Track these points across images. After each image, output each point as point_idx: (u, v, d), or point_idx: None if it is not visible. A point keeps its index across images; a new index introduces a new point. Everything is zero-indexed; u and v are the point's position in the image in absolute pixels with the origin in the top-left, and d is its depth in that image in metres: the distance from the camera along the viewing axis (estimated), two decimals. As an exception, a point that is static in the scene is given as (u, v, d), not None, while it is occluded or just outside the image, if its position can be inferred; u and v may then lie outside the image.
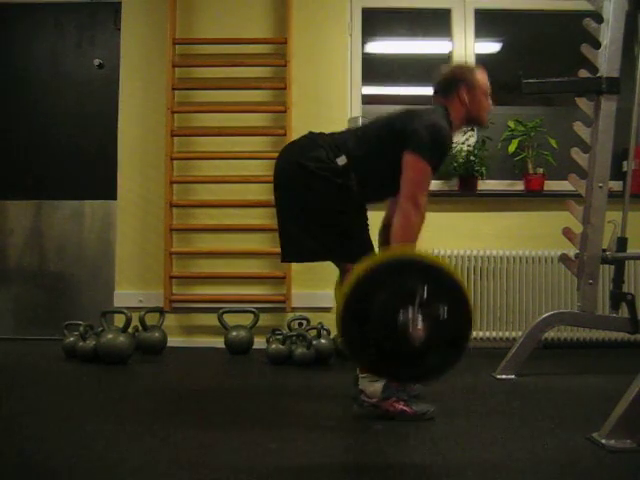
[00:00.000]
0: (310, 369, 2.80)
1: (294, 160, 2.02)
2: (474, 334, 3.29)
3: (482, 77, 2.17)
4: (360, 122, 3.29)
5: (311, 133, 2.11)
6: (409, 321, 1.49)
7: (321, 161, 1.97)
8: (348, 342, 1.57)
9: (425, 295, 1.50)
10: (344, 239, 2.00)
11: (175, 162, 3.45)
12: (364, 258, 1.85)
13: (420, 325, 1.49)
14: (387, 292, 1.53)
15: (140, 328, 3.07)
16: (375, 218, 2.19)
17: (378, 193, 2.12)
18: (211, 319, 3.27)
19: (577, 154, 2.70)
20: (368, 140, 2.05)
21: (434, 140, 1.95)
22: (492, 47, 3.81)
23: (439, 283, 1.53)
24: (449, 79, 2.16)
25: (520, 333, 2.93)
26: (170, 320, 3.34)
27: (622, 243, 2.67)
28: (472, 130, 3.33)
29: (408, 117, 2.04)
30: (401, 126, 2.00)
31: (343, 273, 2.08)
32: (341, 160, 1.98)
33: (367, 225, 2.10)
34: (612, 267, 2.73)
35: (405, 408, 1.91)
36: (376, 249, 2.08)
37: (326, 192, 1.97)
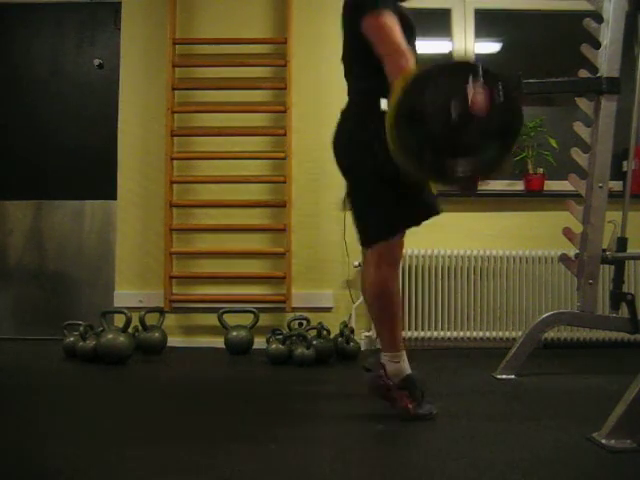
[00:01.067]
0: (310, 369, 2.80)
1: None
2: (474, 334, 3.29)
3: None
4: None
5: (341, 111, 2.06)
6: (470, 93, 1.52)
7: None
8: (404, 145, 1.57)
9: (481, 73, 1.53)
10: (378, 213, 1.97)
11: (175, 162, 3.45)
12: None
13: (480, 94, 1.52)
14: (442, 84, 1.56)
15: (140, 328, 3.07)
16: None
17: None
18: (211, 319, 3.28)
19: (577, 154, 2.70)
20: (352, 58, 2.02)
21: None
22: (492, 47, 3.81)
23: (491, 74, 1.56)
24: None
25: (520, 333, 2.93)
26: (170, 320, 3.34)
27: (622, 243, 2.67)
28: None
29: (345, 3, 1.98)
30: (348, 12, 1.95)
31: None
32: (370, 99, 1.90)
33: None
34: (612, 267, 2.73)
35: (410, 407, 1.91)
36: None
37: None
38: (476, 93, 1.54)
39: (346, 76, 2.10)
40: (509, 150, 1.62)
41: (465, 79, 1.55)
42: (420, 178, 1.70)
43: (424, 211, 1.96)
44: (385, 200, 1.92)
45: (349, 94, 2.08)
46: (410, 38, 1.91)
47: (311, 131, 3.38)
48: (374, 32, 1.85)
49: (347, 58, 2.07)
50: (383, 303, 1.95)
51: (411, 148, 1.58)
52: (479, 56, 3.57)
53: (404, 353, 1.96)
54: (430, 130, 1.56)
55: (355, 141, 1.96)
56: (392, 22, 1.83)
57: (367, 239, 2.00)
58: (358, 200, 2.02)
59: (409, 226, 1.99)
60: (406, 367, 1.95)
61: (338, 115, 2.06)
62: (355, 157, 1.96)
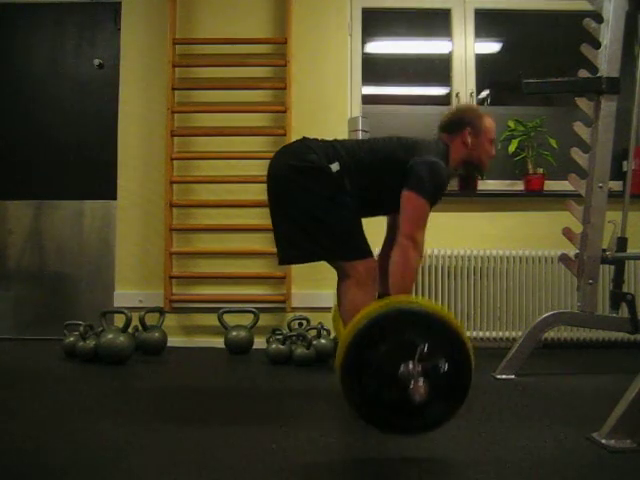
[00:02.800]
0: (310, 369, 2.80)
1: (288, 163, 2.05)
2: (474, 334, 3.29)
3: (489, 124, 2.20)
4: (360, 122, 3.29)
5: (305, 138, 2.13)
6: (410, 377, 1.48)
7: (314, 163, 2.01)
8: (347, 393, 1.55)
9: (426, 349, 1.50)
10: (342, 237, 2.01)
11: (175, 162, 3.45)
12: (361, 257, 1.85)
13: (421, 383, 1.48)
14: (387, 344, 1.52)
15: (140, 328, 3.07)
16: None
17: (367, 210, 2.14)
18: (211, 319, 3.27)
19: (577, 154, 2.70)
20: (363, 160, 2.07)
21: (433, 179, 1.99)
22: (492, 47, 3.81)
23: (440, 335, 1.53)
24: (456, 119, 2.20)
25: (520, 333, 2.94)
26: (170, 320, 3.34)
27: (622, 243, 2.67)
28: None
29: (409, 149, 2.06)
30: (402, 157, 2.04)
31: (341, 275, 2.09)
32: (335, 167, 2.01)
33: (361, 225, 2.11)
34: (612, 267, 2.73)
35: None
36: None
37: (322, 190, 2.00)
38: (416, 380, 1.48)
39: (347, 147, 2.12)
40: (459, 405, 1.56)
41: (414, 343, 1.50)
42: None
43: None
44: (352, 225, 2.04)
45: (336, 151, 2.08)
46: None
47: (311, 131, 3.36)
48: (412, 210, 1.98)
49: (369, 158, 2.09)
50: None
51: (351, 397, 1.56)
52: (479, 56, 3.56)
53: None
54: (373, 385, 1.53)
55: (318, 177, 2.01)
56: (427, 216, 1.99)
57: (342, 255, 2.04)
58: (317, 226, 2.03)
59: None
60: None
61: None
62: (312, 185, 2.01)
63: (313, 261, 2.17)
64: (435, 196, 2.02)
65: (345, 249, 2.02)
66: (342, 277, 2.07)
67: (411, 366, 1.49)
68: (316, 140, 2.13)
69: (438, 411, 1.54)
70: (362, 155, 2.08)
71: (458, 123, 2.18)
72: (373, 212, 2.20)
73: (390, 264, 1.98)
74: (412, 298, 1.88)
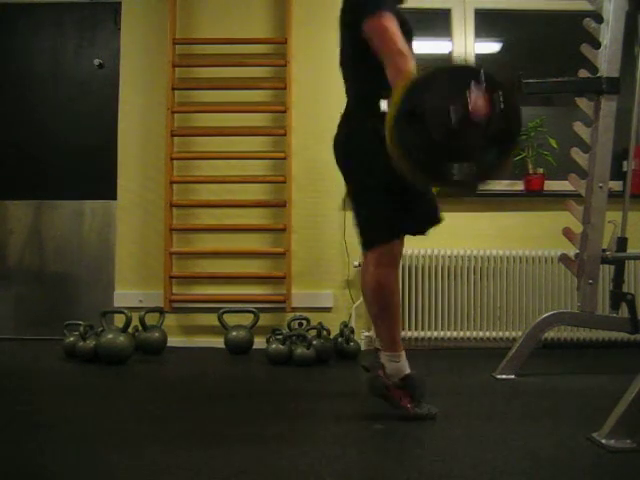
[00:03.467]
0: (310, 369, 2.80)
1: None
2: (474, 334, 3.29)
3: None
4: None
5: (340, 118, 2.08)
6: (470, 98, 1.52)
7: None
8: (403, 145, 1.57)
9: (483, 79, 1.54)
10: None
11: (175, 162, 3.45)
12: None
13: (481, 99, 1.52)
14: (444, 87, 1.57)
15: (140, 328, 3.07)
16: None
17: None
18: (211, 319, 3.27)
19: (577, 154, 2.70)
20: (351, 61, 2.03)
21: None
22: (492, 47, 3.81)
23: (492, 80, 1.57)
24: None
25: (520, 333, 2.93)
26: (170, 320, 3.34)
27: (622, 243, 2.67)
28: None
29: (344, 5, 1.99)
30: (348, 15, 1.96)
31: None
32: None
33: None
34: (612, 267, 2.73)
35: (408, 406, 1.92)
36: None
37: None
38: (477, 98, 1.54)
39: (345, 79, 2.10)
40: (508, 156, 1.62)
41: (466, 83, 1.56)
42: (418, 180, 1.69)
43: (423, 218, 1.99)
44: (385, 203, 1.92)
45: (348, 96, 2.08)
46: (408, 41, 1.91)
47: (311, 131, 3.38)
48: (376, 34, 1.85)
49: (346, 61, 2.07)
50: (382, 303, 1.96)
51: (410, 149, 1.58)
52: (479, 56, 3.56)
53: (403, 353, 1.96)
54: (429, 132, 1.56)
55: (355, 143, 1.96)
56: (393, 24, 1.83)
57: (367, 241, 2.00)
58: (359, 202, 2.01)
59: (408, 232, 2.00)
60: (405, 366, 1.95)
61: (338, 116, 2.06)
62: (356, 159, 1.97)
63: None
64: (382, 1, 1.86)
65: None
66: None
67: (472, 88, 1.53)
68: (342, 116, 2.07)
69: (489, 158, 1.58)
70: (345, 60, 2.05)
71: None
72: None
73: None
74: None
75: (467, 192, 1.91)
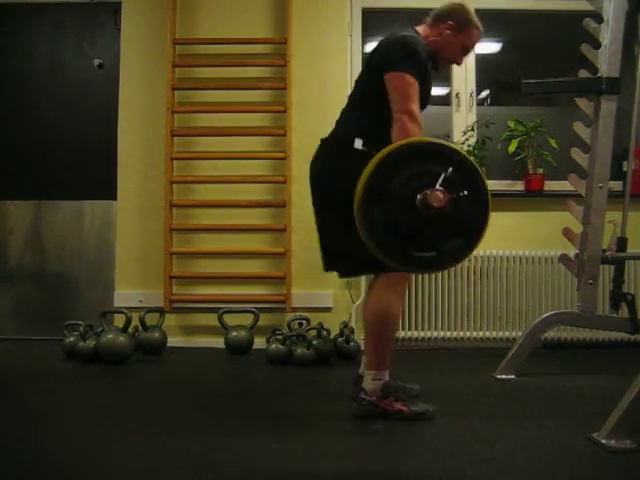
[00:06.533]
0: (310, 369, 2.80)
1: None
2: (474, 334, 3.29)
3: (474, 33, 2.14)
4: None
5: (321, 140, 2.10)
6: (431, 188, 1.53)
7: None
8: (367, 222, 1.57)
9: (448, 173, 1.55)
10: None
11: (175, 162, 3.44)
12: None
13: (441, 190, 1.52)
14: (409, 171, 1.57)
15: (140, 328, 3.07)
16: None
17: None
18: (211, 319, 3.27)
19: (577, 154, 2.70)
20: (359, 98, 2.06)
21: (402, 51, 1.93)
22: (492, 47, 3.81)
23: (460, 168, 1.58)
24: (447, 10, 2.11)
25: (520, 333, 2.93)
26: (170, 320, 3.34)
27: (622, 243, 2.67)
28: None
29: (376, 50, 2.03)
30: (376, 60, 2.00)
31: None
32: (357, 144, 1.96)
33: None
34: (612, 267, 2.73)
35: (403, 408, 1.91)
36: None
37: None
38: (436, 191, 1.53)
39: (345, 110, 2.11)
40: (471, 248, 1.60)
41: (436, 168, 1.56)
42: (381, 259, 1.65)
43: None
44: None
45: (339, 126, 2.08)
46: (424, 104, 2.00)
47: (311, 131, 3.36)
48: (393, 89, 1.90)
49: (357, 94, 2.08)
50: (383, 324, 1.94)
51: (373, 229, 1.58)
52: (479, 56, 3.56)
53: (387, 371, 1.96)
54: (393, 214, 1.56)
55: (340, 170, 1.95)
56: (412, 88, 1.88)
57: (377, 268, 1.90)
58: (340, 228, 1.88)
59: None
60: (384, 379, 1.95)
61: (336, 117, 2.06)
62: (338, 185, 1.92)
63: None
64: (412, 64, 1.91)
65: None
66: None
67: (433, 184, 1.54)
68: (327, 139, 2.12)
69: (453, 246, 1.58)
70: (358, 94, 2.08)
71: (445, 14, 2.09)
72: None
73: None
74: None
75: (429, 273, 1.91)
